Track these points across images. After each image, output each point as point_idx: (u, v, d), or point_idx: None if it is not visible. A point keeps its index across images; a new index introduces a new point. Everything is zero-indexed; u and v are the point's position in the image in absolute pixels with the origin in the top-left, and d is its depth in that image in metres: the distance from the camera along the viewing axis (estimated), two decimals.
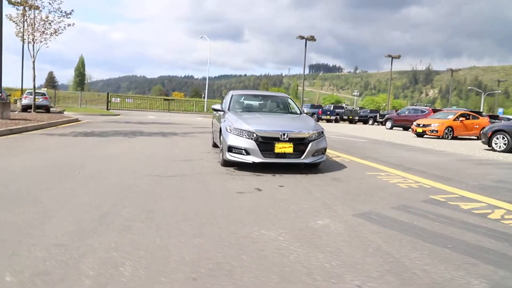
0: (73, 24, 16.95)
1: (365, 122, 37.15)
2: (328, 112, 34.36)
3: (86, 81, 77.86)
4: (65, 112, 17.76)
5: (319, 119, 33.90)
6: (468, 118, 17.00)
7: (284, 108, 7.69)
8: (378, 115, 36.86)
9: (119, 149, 7.83)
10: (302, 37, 32.95)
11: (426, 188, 5.28)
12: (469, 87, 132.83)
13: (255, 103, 7.85)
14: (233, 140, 5.80)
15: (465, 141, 15.75)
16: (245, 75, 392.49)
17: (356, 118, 36.56)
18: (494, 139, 11.10)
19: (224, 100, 8.54)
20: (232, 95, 7.49)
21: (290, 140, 5.72)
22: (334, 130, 19.33)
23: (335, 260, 2.60)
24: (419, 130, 16.88)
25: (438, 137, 16.19)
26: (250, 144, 5.65)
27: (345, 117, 35.84)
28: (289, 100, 7.97)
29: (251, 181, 5.20)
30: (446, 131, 15.87)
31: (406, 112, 24.08)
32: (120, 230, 2.96)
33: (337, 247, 2.85)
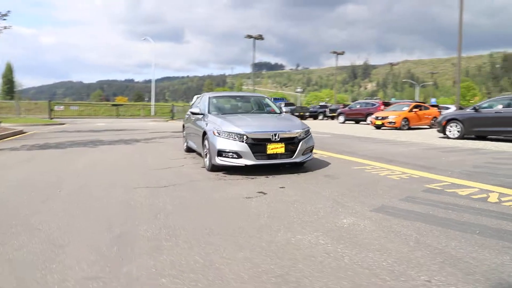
0: (10, 26, 15.36)
1: (315, 117, 38.19)
2: None
3: (15, 89, 71.41)
4: (1, 124, 16.10)
5: None
6: (421, 109, 18.23)
7: (263, 108, 7.59)
8: (327, 110, 38.04)
9: (88, 160, 7.22)
10: (250, 36, 33.07)
11: (416, 178, 5.49)
12: (404, 80, 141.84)
13: (234, 104, 7.66)
14: (223, 143, 5.59)
15: (419, 131, 16.82)
16: (188, 76, 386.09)
17: (307, 114, 37.44)
18: (448, 127, 11.93)
19: (196, 103, 8.24)
20: (209, 98, 7.23)
21: (282, 140, 5.65)
22: None
23: (389, 258, 2.56)
24: (378, 122, 17.71)
25: (395, 128, 17.10)
26: (242, 147, 5.49)
27: (296, 114, 36.52)
28: (267, 100, 7.89)
29: (249, 184, 5.05)
30: (402, 122, 16.82)
31: (358, 106, 25.13)
32: (150, 252, 2.68)
33: (380, 244, 2.83)
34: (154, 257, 2.57)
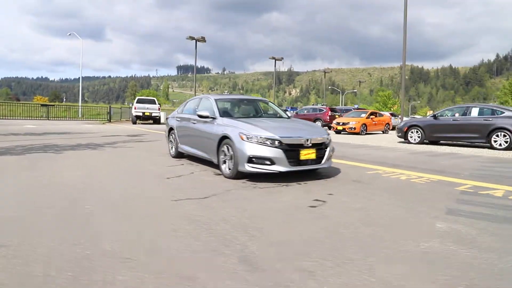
0: None
1: None
2: None
3: None
4: None
5: None
6: (376, 116, 19.52)
7: (272, 112, 7.36)
8: None
9: (74, 168, 6.23)
10: (192, 38, 32.19)
11: (440, 181, 5.75)
12: (329, 86, 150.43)
13: (243, 107, 7.28)
14: (254, 149, 5.25)
15: (375, 135, 18.01)
16: (110, 76, 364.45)
17: None
18: (409, 133, 12.85)
19: (190, 107, 7.67)
20: (215, 100, 6.76)
21: (313, 145, 5.50)
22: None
23: None
24: (339, 128, 18.66)
25: (355, 133, 18.17)
26: (276, 152, 5.21)
27: None
28: (271, 104, 7.66)
29: (294, 192, 4.81)
30: (361, 127, 17.84)
31: (305, 112, 25.93)
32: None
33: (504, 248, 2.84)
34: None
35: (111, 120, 28.37)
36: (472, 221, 3.59)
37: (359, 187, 5.17)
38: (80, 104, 40.32)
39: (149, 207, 3.94)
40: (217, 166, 6.39)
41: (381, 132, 20.06)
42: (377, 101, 68.89)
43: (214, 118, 6.30)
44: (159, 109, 26.07)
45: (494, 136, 10.79)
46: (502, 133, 10.65)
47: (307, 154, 5.41)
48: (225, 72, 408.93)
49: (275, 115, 7.18)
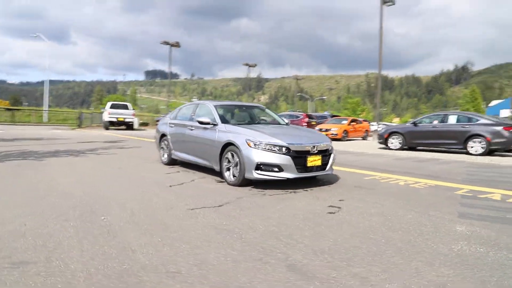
0: None
1: None
2: None
3: None
4: None
5: None
6: (357, 123, 20.03)
7: (270, 119, 7.35)
8: None
9: (67, 176, 5.92)
10: (166, 43, 31.77)
11: (437, 186, 5.95)
12: (298, 93, 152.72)
13: (242, 114, 7.22)
14: (262, 156, 5.21)
15: (356, 142, 18.48)
16: (75, 80, 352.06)
17: None
18: (390, 139, 13.25)
19: (184, 113, 7.53)
20: (214, 106, 6.67)
21: (319, 152, 5.55)
22: None
23: None
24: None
25: (337, 139, 18.56)
26: (285, 159, 5.20)
27: None
28: (268, 110, 7.65)
29: (305, 199, 4.81)
30: (343, 134, 18.20)
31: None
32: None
33: None
34: None
35: (81, 126, 27.33)
36: (486, 224, 3.74)
37: (364, 193, 5.25)
38: (46, 109, 38.65)
39: (168, 216, 3.80)
40: (216, 173, 6.32)
41: (361, 139, 20.70)
42: (346, 108, 70.59)
43: (215, 125, 6.21)
44: (133, 115, 25.42)
45: (470, 142, 11.35)
46: (478, 140, 11.21)
47: (314, 160, 5.45)
48: (194, 78, 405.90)
49: (273, 122, 7.18)
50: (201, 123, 6.32)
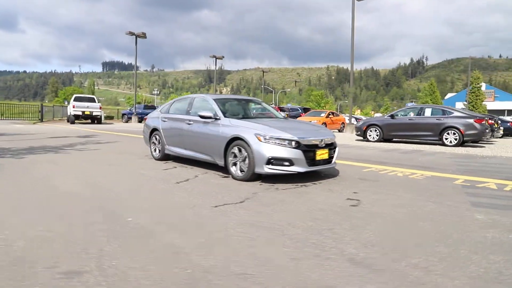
0: None
1: None
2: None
3: None
4: None
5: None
6: (334, 116, 20.37)
7: (268, 112, 7.30)
8: None
9: (63, 175, 5.55)
10: (132, 33, 30.55)
11: (433, 176, 6.24)
12: (262, 86, 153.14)
13: (242, 108, 7.09)
14: (274, 151, 5.18)
15: (335, 134, 18.79)
16: (25, 71, 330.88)
17: None
18: (368, 131, 13.64)
19: (177, 106, 7.30)
20: (214, 100, 6.53)
21: (326, 146, 5.61)
22: None
23: None
24: None
25: None
26: (296, 153, 5.21)
27: None
28: (265, 104, 7.60)
29: (320, 192, 4.85)
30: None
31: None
32: None
33: None
34: None
35: (43, 120, 25.83)
36: (501, 212, 3.96)
37: (372, 185, 5.38)
38: None
39: (195, 215, 3.68)
40: (217, 168, 6.26)
41: (337, 131, 21.16)
42: (309, 100, 71.79)
43: (217, 119, 6.08)
44: (100, 108, 24.36)
45: (445, 134, 11.95)
46: (452, 131, 11.83)
47: (322, 154, 5.49)
48: (154, 70, 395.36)
49: (273, 116, 7.15)
50: (202, 117, 6.16)
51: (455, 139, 11.78)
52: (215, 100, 6.52)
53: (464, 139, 11.73)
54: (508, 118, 22.23)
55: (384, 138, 13.51)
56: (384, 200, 4.44)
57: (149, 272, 2.34)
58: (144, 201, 4.18)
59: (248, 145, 5.34)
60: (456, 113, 12.20)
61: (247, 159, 5.40)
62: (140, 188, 4.94)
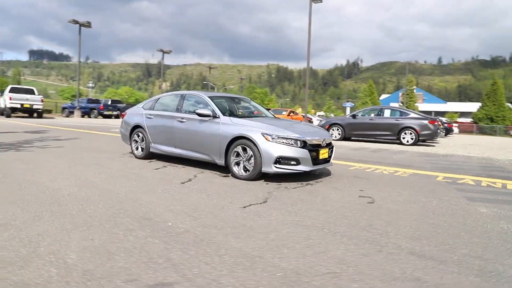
0: None
1: None
2: (110, 107, 31.65)
3: None
4: None
5: (100, 114, 30.86)
6: (294, 114, 20.85)
7: (260, 111, 7.31)
8: None
9: (49, 176, 5.08)
10: (76, 22, 28.48)
11: (416, 174, 6.78)
12: (204, 82, 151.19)
13: (237, 107, 7.00)
14: (282, 150, 5.25)
15: None
16: None
17: None
18: (331, 130, 14.22)
19: (175, 103, 6.93)
20: (210, 98, 6.41)
21: (327, 145, 5.81)
22: None
23: None
24: None
25: None
26: (303, 153, 5.33)
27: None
28: (253, 102, 7.60)
29: (329, 190, 5.03)
30: None
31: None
32: None
33: None
34: None
35: None
36: (498, 205, 4.46)
37: (369, 183, 5.70)
38: None
39: (232, 216, 3.62)
40: (211, 167, 6.24)
41: None
42: (253, 98, 72.65)
43: (215, 117, 6.00)
44: (42, 101, 22.44)
45: (403, 133, 12.90)
46: (409, 131, 12.80)
47: (324, 153, 5.68)
48: (88, 61, 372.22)
49: (264, 115, 7.19)
50: (201, 115, 6.03)
51: (412, 139, 12.77)
52: (211, 98, 6.42)
53: (420, 138, 12.77)
54: (444, 120, 24.50)
55: (346, 137, 14.20)
56: (390, 197, 4.74)
57: (239, 279, 2.30)
58: (165, 203, 4.01)
59: (255, 145, 5.35)
60: (412, 115, 13.23)
61: (252, 159, 5.41)
62: (147, 189, 4.71)
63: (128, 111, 7.97)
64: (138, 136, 7.34)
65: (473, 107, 56.95)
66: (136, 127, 7.40)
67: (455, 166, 8.09)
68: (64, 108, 32.23)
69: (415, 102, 51.04)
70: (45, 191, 4.32)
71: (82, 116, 30.24)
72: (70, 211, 3.57)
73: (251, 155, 5.41)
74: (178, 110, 6.69)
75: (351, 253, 2.76)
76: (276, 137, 5.30)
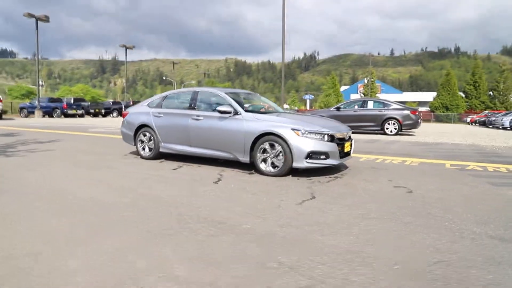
0: None
1: (110, 113, 35.51)
2: (74, 106, 30.12)
3: None
4: None
5: (64, 114, 29.31)
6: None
7: (271, 106, 7.27)
8: (123, 107, 35.97)
9: (69, 182, 4.79)
10: (31, 15, 26.62)
11: (424, 163, 7.11)
12: (164, 77, 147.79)
13: (254, 102, 6.93)
14: (313, 145, 5.30)
15: None
16: None
17: (103, 111, 34.15)
18: None
19: (187, 100, 6.69)
20: (227, 94, 6.31)
21: (349, 139, 5.94)
22: None
23: None
24: None
25: None
26: (332, 147, 5.42)
27: (92, 110, 32.72)
28: (263, 97, 7.55)
29: (362, 182, 5.15)
30: None
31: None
32: None
33: None
34: None
35: None
36: None
37: (389, 173, 5.90)
38: None
39: (300, 214, 3.62)
40: (228, 164, 6.26)
41: None
42: None
43: (237, 114, 5.92)
44: (1, 101, 20.91)
45: (386, 124, 13.39)
46: (392, 122, 13.32)
47: (347, 147, 5.81)
48: (36, 58, 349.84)
49: (277, 110, 7.17)
50: (222, 112, 5.92)
51: (395, 129, 13.33)
52: (228, 94, 6.32)
53: (402, 128, 13.33)
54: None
55: None
56: (422, 185, 4.94)
57: (367, 275, 2.32)
58: (220, 205, 3.91)
59: (284, 140, 5.36)
60: (394, 105, 13.79)
61: (281, 154, 5.42)
62: (187, 192, 4.56)
63: (130, 110, 7.65)
64: (145, 135, 7.07)
65: (427, 96, 60.19)
66: (142, 126, 7.13)
67: (453, 153, 8.56)
68: (22, 108, 30.21)
69: (376, 93, 53.03)
70: (87, 201, 4.06)
71: (43, 116, 28.54)
72: (133, 221, 3.39)
73: (280, 151, 5.41)
74: (191, 107, 6.52)
75: (440, 241, 2.86)
76: (306, 132, 5.34)
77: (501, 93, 47.73)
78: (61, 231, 3.04)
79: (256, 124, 5.68)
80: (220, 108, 5.95)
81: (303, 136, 5.32)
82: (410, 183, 5.07)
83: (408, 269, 2.39)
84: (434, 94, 50.91)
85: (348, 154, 5.97)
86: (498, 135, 16.88)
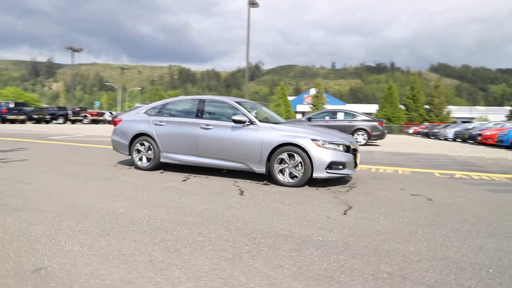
0: None
1: (54, 120, 33.15)
2: (15, 111, 27.66)
3: None
4: None
5: (2, 119, 26.84)
6: None
7: (268, 115, 7.28)
8: (69, 113, 33.79)
9: (75, 196, 4.42)
10: None
11: (415, 172, 7.57)
12: (106, 82, 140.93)
13: (261, 111, 6.89)
14: (333, 155, 5.45)
15: None
16: None
17: (48, 116, 31.73)
18: None
19: (193, 109, 6.49)
20: (238, 103, 6.26)
21: (357, 149, 6.18)
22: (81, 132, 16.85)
23: None
24: None
25: None
26: (349, 157, 5.61)
27: (35, 116, 30.26)
28: (264, 107, 7.56)
29: (375, 191, 5.39)
30: None
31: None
32: None
33: None
34: None
35: None
36: None
37: (394, 182, 6.24)
38: None
39: (350, 223, 3.71)
40: (238, 174, 6.19)
41: None
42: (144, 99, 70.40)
43: (252, 123, 5.90)
44: None
45: (355, 135, 14.04)
46: (361, 132, 14.00)
47: (358, 157, 6.04)
48: None
49: (279, 119, 7.23)
50: (237, 121, 5.87)
51: (364, 139, 14.03)
52: (239, 103, 6.27)
53: (370, 139, 14.06)
54: None
55: None
56: (434, 193, 5.31)
57: (476, 279, 2.46)
58: (270, 218, 3.86)
59: (305, 151, 5.44)
60: (362, 117, 14.52)
61: (300, 165, 5.49)
62: (223, 205, 4.43)
63: (123, 117, 7.25)
64: (143, 145, 6.76)
65: (369, 108, 63.93)
66: (140, 135, 6.80)
67: (434, 163, 9.26)
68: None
69: (323, 104, 55.27)
70: (119, 216, 3.79)
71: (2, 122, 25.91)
72: (189, 237, 3.24)
73: (300, 161, 5.48)
74: (199, 116, 6.36)
75: (502, 247, 3.10)
76: (326, 143, 5.47)
77: (436, 107, 52.18)
78: (139, 255, 2.82)
79: (272, 134, 5.70)
80: (235, 117, 5.88)
81: (323, 147, 5.45)
82: (422, 192, 5.40)
83: (494, 274, 2.57)
84: (376, 106, 54.22)
85: (356, 164, 6.20)
86: (452, 146, 18.26)
